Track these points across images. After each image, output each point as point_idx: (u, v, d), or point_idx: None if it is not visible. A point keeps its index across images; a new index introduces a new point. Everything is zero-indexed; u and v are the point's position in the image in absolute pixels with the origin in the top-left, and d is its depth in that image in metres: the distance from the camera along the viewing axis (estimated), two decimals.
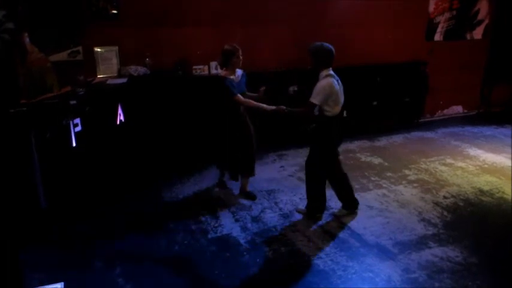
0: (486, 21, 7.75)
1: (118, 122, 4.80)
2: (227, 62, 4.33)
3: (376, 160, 5.79)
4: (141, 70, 5.29)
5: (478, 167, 5.55)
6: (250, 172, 4.64)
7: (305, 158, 4.22)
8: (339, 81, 3.96)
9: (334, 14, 6.42)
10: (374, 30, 6.77)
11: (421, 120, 7.60)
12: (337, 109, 3.93)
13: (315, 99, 3.83)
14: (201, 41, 5.71)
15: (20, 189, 3.65)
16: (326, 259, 3.58)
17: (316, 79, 3.92)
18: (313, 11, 6.28)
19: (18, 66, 4.15)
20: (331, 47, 3.88)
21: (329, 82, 3.84)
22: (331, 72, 3.90)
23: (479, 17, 7.68)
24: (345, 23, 6.51)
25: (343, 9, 6.47)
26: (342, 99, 3.97)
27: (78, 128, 4.20)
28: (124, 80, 5.09)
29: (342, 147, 6.15)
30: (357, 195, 4.65)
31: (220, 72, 4.52)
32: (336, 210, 4.37)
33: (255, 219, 4.23)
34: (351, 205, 4.37)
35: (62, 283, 3.23)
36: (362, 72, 6.64)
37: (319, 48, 3.89)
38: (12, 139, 3.63)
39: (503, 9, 7.70)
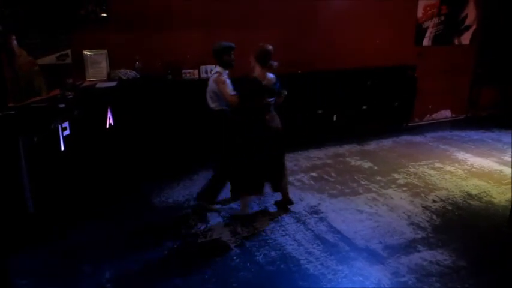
0: (474, 27, 7.84)
1: (107, 126, 4.77)
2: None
3: (366, 164, 5.81)
4: (130, 74, 5.27)
5: (466, 171, 5.59)
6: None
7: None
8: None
9: (324, 19, 6.44)
10: (364, 35, 6.80)
11: (410, 124, 7.65)
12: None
13: None
14: (191, 45, 5.70)
15: (7, 194, 3.61)
16: (316, 263, 3.58)
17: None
18: (304, 15, 6.30)
19: (6, 70, 4.11)
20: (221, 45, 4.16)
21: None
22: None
23: (467, 22, 7.77)
24: (335, 27, 6.55)
25: (333, 14, 6.51)
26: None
27: (67, 132, 4.17)
28: (113, 84, 5.06)
29: (331, 151, 6.27)
30: (346, 199, 4.67)
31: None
32: (325, 214, 4.38)
33: (245, 224, 4.22)
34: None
35: None
36: (352, 76, 6.67)
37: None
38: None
39: (491, 15, 7.80)
